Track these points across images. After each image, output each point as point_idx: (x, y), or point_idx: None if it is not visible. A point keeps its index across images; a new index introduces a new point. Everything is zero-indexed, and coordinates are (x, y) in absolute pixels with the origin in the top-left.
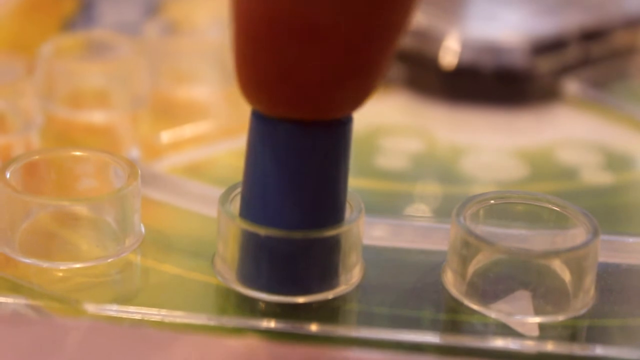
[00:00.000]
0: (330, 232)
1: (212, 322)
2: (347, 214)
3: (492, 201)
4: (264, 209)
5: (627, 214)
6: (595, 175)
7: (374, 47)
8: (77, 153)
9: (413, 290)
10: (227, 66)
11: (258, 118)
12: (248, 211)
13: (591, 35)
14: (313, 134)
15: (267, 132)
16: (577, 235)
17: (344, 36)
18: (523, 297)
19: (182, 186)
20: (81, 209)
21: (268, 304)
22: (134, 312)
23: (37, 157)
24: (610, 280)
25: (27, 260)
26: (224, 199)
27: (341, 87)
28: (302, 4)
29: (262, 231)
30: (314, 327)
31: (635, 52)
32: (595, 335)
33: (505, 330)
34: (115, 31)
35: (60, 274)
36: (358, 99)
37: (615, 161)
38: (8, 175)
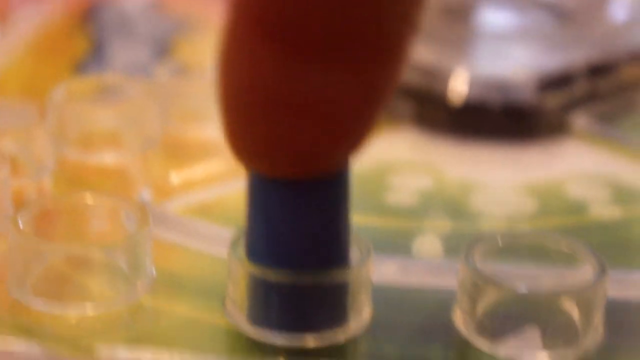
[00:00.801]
0: (339, 276)
1: None
2: (356, 254)
3: (500, 241)
4: (269, 253)
5: (636, 249)
6: (603, 210)
7: (364, 111)
8: (89, 199)
9: (422, 329)
10: None
11: (253, 176)
12: (254, 252)
13: (598, 70)
14: (310, 190)
15: (263, 189)
16: (585, 272)
17: (335, 108)
18: (532, 336)
19: (193, 227)
20: (94, 255)
21: (278, 346)
22: (146, 355)
23: (49, 203)
24: (619, 316)
25: (40, 306)
26: (234, 242)
27: (334, 149)
28: (290, 82)
29: (271, 277)
30: None
31: None
32: None
33: None
34: (126, 72)
35: (73, 319)
36: (351, 153)
37: (623, 195)
38: (21, 222)
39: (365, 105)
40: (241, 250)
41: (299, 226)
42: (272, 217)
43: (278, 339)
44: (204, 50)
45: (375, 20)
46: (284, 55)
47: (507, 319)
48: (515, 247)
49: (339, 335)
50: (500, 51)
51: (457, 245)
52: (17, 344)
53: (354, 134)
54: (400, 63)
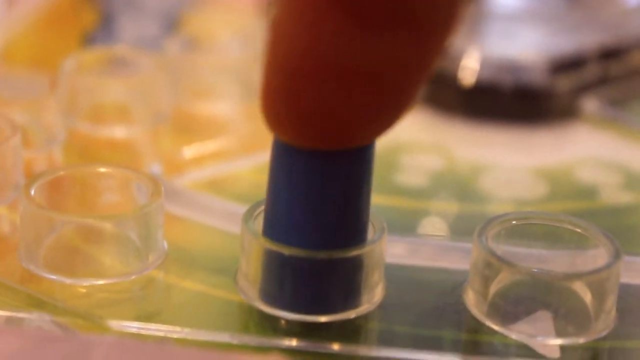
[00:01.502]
0: (354, 252)
1: (234, 341)
2: (370, 233)
3: (513, 222)
4: (288, 229)
5: None
6: (614, 195)
7: (410, 82)
8: (101, 169)
9: (434, 310)
10: (248, 82)
11: (281, 146)
12: (272, 230)
13: (610, 54)
14: (338, 161)
15: (290, 159)
16: (597, 256)
17: (387, 75)
18: (544, 319)
19: (204, 202)
20: (105, 226)
21: (290, 322)
22: (157, 329)
23: (61, 173)
24: (632, 301)
25: (51, 277)
26: (248, 216)
27: (377, 119)
28: (348, 47)
29: (286, 251)
30: (335, 347)
31: None
32: (617, 357)
33: (527, 352)
34: (135, 46)
35: (84, 290)
36: (390, 126)
37: (634, 180)
38: (33, 192)
39: (413, 76)
40: (255, 225)
41: (323, 198)
42: (296, 188)
43: (290, 315)
44: (213, 24)
45: None
46: (346, 24)
47: (519, 300)
48: (529, 228)
49: (352, 313)
50: (512, 33)
51: (467, 227)
52: (27, 315)
53: (398, 105)
54: (451, 36)
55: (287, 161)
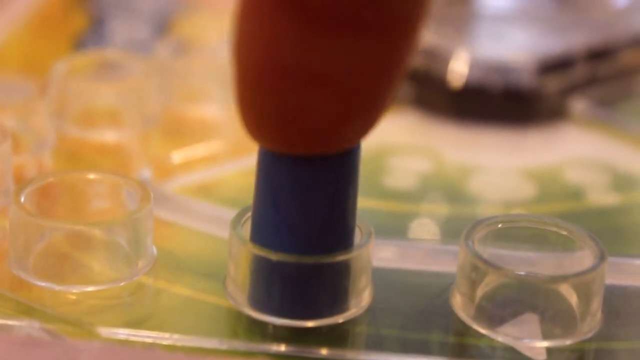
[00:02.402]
0: (341, 257)
1: (223, 346)
2: (357, 237)
3: (500, 225)
4: (275, 235)
5: (633, 235)
6: (602, 196)
7: (381, 84)
8: (91, 176)
9: (422, 313)
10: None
11: (264, 152)
12: (259, 235)
13: (598, 55)
14: (321, 167)
15: (274, 165)
16: (583, 257)
17: (351, 80)
18: (531, 321)
19: (193, 207)
20: (94, 232)
21: (278, 327)
22: (146, 335)
23: (50, 179)
24: (617, 302)
25: (41, 283)
26: (236, 222)
27: (348, 124)
28: (308, 54)
29: (273, 256)
30: (324, 351)
31: None
32: (603, 358)
33: (513, 354)
34: (126, 49)
35: (73, 297)
36: (366, 130)
37: (622, 181)
38: (22, 199)
39: (380, 79)
40: (243, 230)
41: (307, 205)
42: (281, 194)
43: (278, 320)
44: (204, 28)
45: None
46: (302, 27)
47: (506, 303)
48: (515, 231)
49: (339, 317)
50: (501, 34)
51: (455, 229)
52: (17, 322)
53: (369, 109)
54: (416, 36)
55: (270, 167)
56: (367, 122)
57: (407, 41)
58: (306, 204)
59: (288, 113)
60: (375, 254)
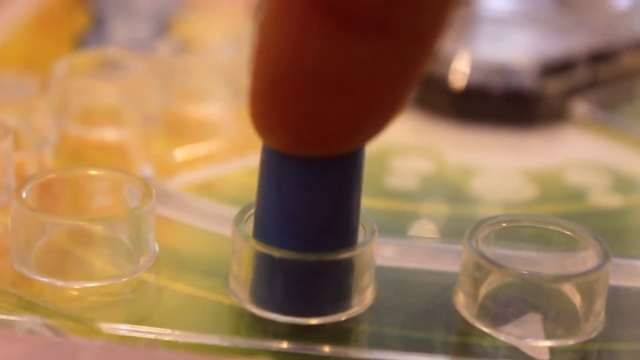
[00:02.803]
0: (344, 255)
1: (225, 343)
2: (361, 235)
3: (503, 224)
4: (278, 232)
5: (635, 237)
6: (603, 197)
7: (398, 89)
8: (92, 172)
9: (424, 312)
10: (238, 84)
11: (270, 151)
12: (262, 233)
13: (599, 57)
14: (328, 166)
15: (279, 165)
16: (587, 258)
17: (370, 84)
18: (534, 320)
19: (195, 204)
20: (96, 228)
21: (281, 325)
22: (148, 332)
23: (52, 175)
24: (620, 303)
25: (43, 279)
26: (239, 219)
27: (362, 127)
28: (331, 57)
29: (276, 253)
30: (326, 349)
31: None
32: (606, 359)
33: (516, 354)
34: (127, 48)
35: (75, 293)
36: (377, 133)
37: (623, 183)
38: (24, 195)
39: (399, 84)
40: (246, 227)
41: (312, 204)
42: (286, 192)
43: (281, 317)
44: (204, 27)
45: None
46: (328, 30)
47: (509, 303)
48: (518, 230)
49: (342, 315)
50: (502, 36)
51: (457, 229)
52: (18, 317)
53: (383, 113)
54: (438, 43)
55: (276, 166)
56: (379, 126)
57: (428, 47)
58: (310, 202)
59: (303, 115)
60: (378, 253)
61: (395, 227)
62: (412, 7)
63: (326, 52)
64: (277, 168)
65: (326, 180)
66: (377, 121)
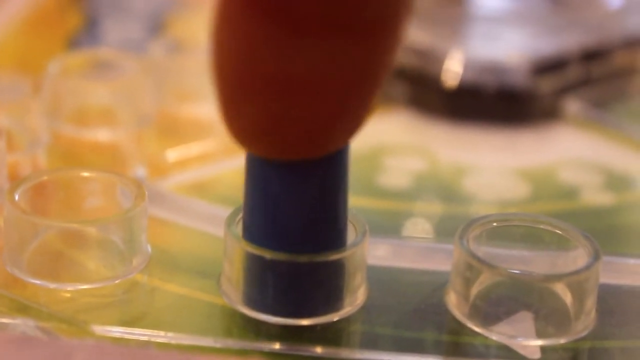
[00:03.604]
0: (335, 255)
1: (217, 344)
2: (352, 235)
3: (494, 223)
4: (267, 234)
5: (627, 235)
6: (595, 196)
7: (363, 87)
8: (85, 174)
9: (416, 312)
10: None
11: (251, 157)
12: (252, 234)
13: (592, 56)
14: (309, 169)
15: (261, 169)
16: (578, 256)
17: (333, 84)
18: (525, 319)
19: (188, 205)
20: (89, 230)
21: (273, 326)
22: (141, 333)
23: (45, 177)
24: (612, 302)
25: (35, 281)
26: (231, 220)
27: (332, 128)
28: (288, 59)
29: (267, 254)
30: (318, 349)
31: (635, 73)
32: (597, 357)
33: (507, 353)
34: (120, 48)
35: (68, 295)
36: (351, 133)
37: (615, 181)
38: (16, 197)
39: (360, 83)
40: (238, 229)
41: (296, 206)
42: (269, 197)
43: (273, 318)
44: (198, 27)
45: None
46: (278, 32)
47: (500, 302)
48: (509, 230)
49: (334, 316)
50: (495, 34)
51: (450, 228)
52: (11, 320)
53: (353, 113)
54: (397, 39)
55: (258, 171)
56: (352, 125)
57: (389, 43)
58: (295, 205)
59: (271, 120)
60: (369, 252)
61: (388, 226)
62: (361, 7)
63: (277, 56)
64: (259, 173)
65: (308, 182)
66: (348, 121)
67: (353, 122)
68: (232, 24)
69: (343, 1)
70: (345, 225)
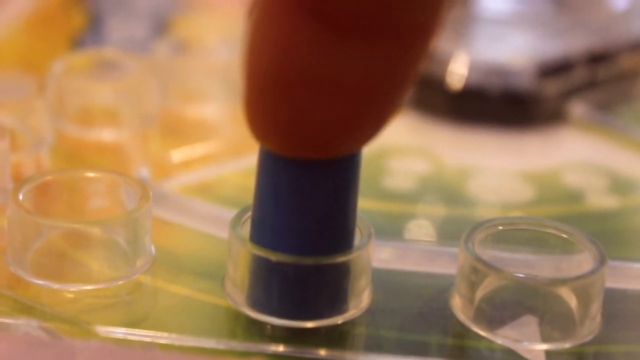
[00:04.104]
0: (341, 258)
1: (221, 346)
2: (357, 238)
3: (500, 227)
4: (275, 236)
5: (632, 239)
6: (600, 199)
7: (391, 91)
8: (89, 174)
9: (421, 315)
10: (236, 85)
11: (266, 154)
12: (259, 236)
13: (597, 58)
14: (324, 169)
15: (276, 168)
16: (583, 260)
17: (363, 86)
18: (530, 324)
19: (192, 206)
20: (93, 231)
21: (277, 328)
22: (144, 334)
23: (49, 177)
24: (617, 306)
25: (39, 281)
26: (236, 222)
27: (356, 130)
28: (323, 59)
29: (273, 256)
30: (322, 352)
31: None
32: None
33: (512, 357)
34: (124, 48)
35: (71, 295)
36: (372, 136)
37: (620, 185)
38: (20, 197)
39: (392, 86)
40: (243, 230)
41: (308, 206)
42: (282, 196)
43: (277, 320)
44: (202, 27)
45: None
46: (319, 31)
47: (505, 305)
48: (514, 233)
49: (338, 319)
50: (500, 37)
51: (454, 231)
52: (15, 320)
53: (377, 116)
54: (430, 44)
55: (272, 169)
56: (374, 128)
57: (421, 49)
58: (307, 205)
59: (297, 117)
60: (374, 256)
61: (393, 228)
62: (403, 9)
63: (316, 55)
64: (273, 171)
65: (322, 183)
66: (371, 124)
67: (376, 125)
68: (273, 19)
69: (384, 5)
70: (353, 227)
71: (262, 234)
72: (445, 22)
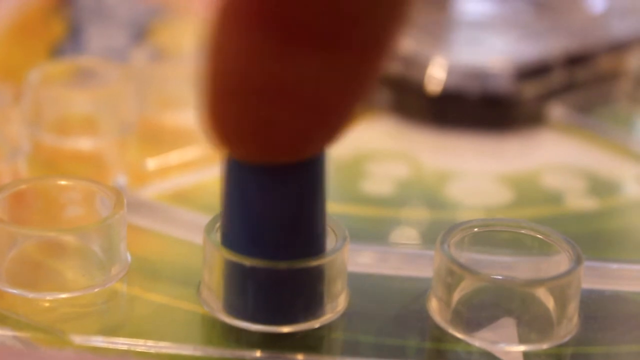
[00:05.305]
0: (315, 262)
1: (198, 353)
2: (332, 242)
3: (476, 229)
4: (245, 241)
5: (611, 240)
6: (579, 201)
7: (349, 98)
8: (64, 182)
9: (398, 318)
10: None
11: (230, 160)
12: (231, 241)
13: (576, 60)
14: (288, 174)
15: (240, 174)
16: (560, 261)
17: (320, 94)
18: (507, 325)
19: (168, 213)
20: (67, 239)
21: (253, 333)
22: (120, 343)
23: (23, 186)
24: (594, 307)
25: (13, 291)
26: (210, 228)
27: (315, 135)
28: (280, 68)
29: (246, 262)
30: (299, 357)
31: (619, 77)
32: None
33: (490, 359)
34: (103, 57)
35: (47, 304)
36: (332, 140)
37: (599, 186)
38: None
39: (348, 93)
40: (217, 236)
41: (274, 211)
42: (248, 202)
43: (253, 326)
44: (181, 35)
45: (366, 8)
46: (275, 42)
47: (482, 307)
48: (491, 235)
49: (315, 323)
50: (479, 40)
51: (433, 234)
52: None
53: (336, 122)
54: (387, 53)
55: (237, 175)
56: (333, 133)
57: (378, 58)
58: (274, 210)
59: (255, 125)
60: (352, 259)
61: (372, 233)
62: (357, 23)
63: (272, 66)
64: (238, 177)
65: (287, 187)
66: (331, 129)
67: (335, 130)
68: (230, 31)
69: (337, 16)
70: (324, 231)
71: (232, 240)
72: (399, 36)
